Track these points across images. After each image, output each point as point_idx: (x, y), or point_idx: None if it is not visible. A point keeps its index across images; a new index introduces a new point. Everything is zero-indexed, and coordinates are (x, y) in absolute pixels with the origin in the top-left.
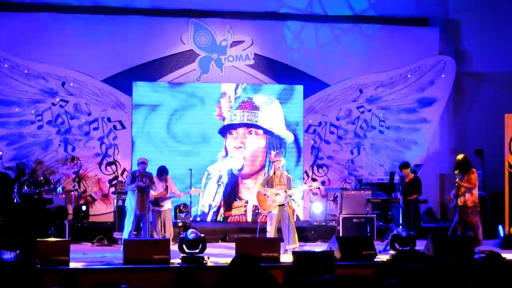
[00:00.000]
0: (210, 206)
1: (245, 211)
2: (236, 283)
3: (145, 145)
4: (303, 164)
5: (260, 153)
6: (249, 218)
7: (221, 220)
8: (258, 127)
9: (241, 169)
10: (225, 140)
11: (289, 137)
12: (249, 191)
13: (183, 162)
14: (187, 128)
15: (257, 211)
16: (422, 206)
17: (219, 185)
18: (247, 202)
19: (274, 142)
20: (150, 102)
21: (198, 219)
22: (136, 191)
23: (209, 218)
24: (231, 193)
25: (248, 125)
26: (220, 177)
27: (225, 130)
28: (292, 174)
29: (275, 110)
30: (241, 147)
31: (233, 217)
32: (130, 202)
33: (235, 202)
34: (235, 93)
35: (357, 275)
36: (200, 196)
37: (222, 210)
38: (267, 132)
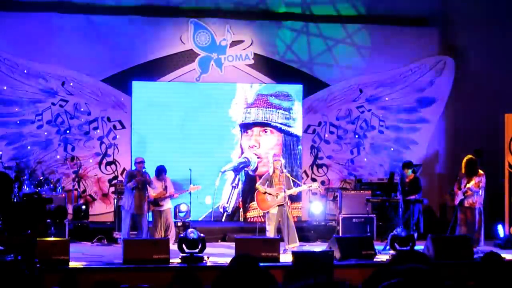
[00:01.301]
0: (224, 208)
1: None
2: (236, 283)
3: (144, 144)
4: (302, 163)
5: (276, 151)
6: None
7: (241, 220)
8: (273, 125)
9: (255, 170)
10: (240, 139)
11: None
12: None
13: (186, 164)
14: (199, 128)
15: None
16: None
17: (233, 187)
18: None
19: (290, 141)
20: (151, 101)
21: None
22: (134, 191)
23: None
24: (248, 194)
25: (263, 124)
26: (234, 179)
27: (240, 129)
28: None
29: (292, 107)
30: (255, 146)
31: (252, 218)
32: (128, 201)
33: (252, 203)
34: (251, 88)
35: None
36: (213, 199)
37: (241, 211)
38: (282, 130)
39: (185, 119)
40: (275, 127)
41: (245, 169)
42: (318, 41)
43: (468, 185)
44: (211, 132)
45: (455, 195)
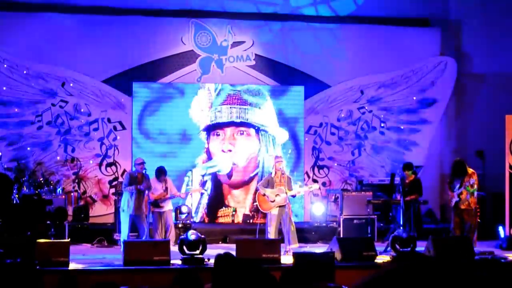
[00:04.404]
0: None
1: (233, 221)
2: (236, 283)
3: (144, 145)
4: (304, 165)
5: (253, 157)
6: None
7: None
8: (250, 125)
9: (230, 174)
10: (207, 142)
11: (283, 136)
12: (238, 203)
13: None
14: (163, 127)
15: (247, 221)
16: (423, 207)
17: (202, 194)
18: (235, 210)
19: (267, 142)
20: (150, 101)
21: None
22: (133, 193)
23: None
24: (216, 202)
25: (237, 124)
26: (203, 184)
27: (208, 130)
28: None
29: (267, 104)
30: (230, 151)
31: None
32: (128, 203)
33: (220, 210)
34: (216, 87)
35: None
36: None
37: (205, 219)
38: (259, 131)
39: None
40: (253, 127)
41: (217, 173)
42: (319, 42)
43: (464, 184)
44: (191, 131)
45: (450, 198)
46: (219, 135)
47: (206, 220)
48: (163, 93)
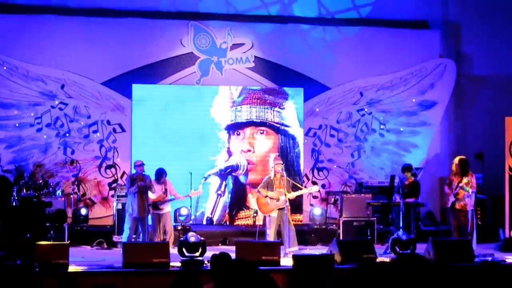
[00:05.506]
0: (208, 220)
1: (254, 222)
2: (234, 282)
3: (144, 148)
4: (304, 166)
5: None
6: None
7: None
8: (269, 125)
9: (246, 176)
10: (228, 142)
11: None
12: None
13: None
14: (181, 128)
15: None
16: (422, 209)
17: (219, 195)
18: (256, 212)
19: (288, 143)
20: (150, 103)
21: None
22: (136, 194)
23: None
24: (237, 203)
25: (257, 124)
26: (219, 186)
27: (228, 130)
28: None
29: (287, 104)
30: (250, 150)
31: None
32: (132, 206)
33: (241, 211)
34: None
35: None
36: (192, 208)
37: (227, 222)
38: (279, 131)
39: (178, 118)
40: (272, 127)
41: (233, 173)
42: (318, 44)
43: (460, 184)
44: (208, 132)
45: (447, 197)
46: (239, 134)
47: (228, 222)
48: (163, 94)
